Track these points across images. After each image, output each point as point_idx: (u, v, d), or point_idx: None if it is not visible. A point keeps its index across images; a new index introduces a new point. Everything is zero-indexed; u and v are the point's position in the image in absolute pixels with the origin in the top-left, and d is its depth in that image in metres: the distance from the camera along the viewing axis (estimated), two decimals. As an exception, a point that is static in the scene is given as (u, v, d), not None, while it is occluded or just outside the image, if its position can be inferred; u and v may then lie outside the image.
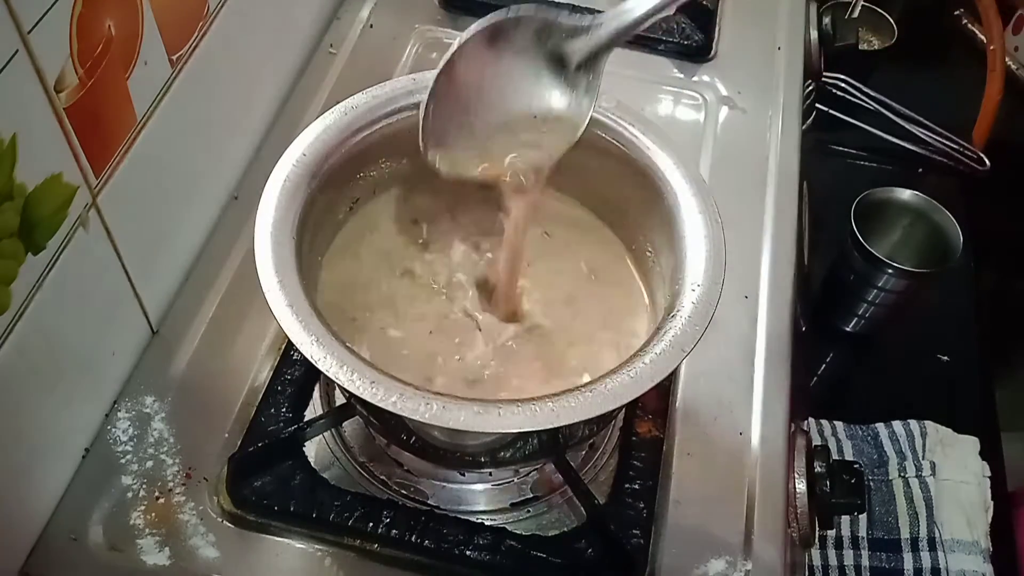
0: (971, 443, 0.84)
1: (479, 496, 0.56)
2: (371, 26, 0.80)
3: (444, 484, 0.56)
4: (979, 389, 0.91)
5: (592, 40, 0.47)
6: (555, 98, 0.49)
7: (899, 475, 0.82)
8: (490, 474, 0.56)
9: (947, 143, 1.09)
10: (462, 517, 0.53)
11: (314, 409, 0.58)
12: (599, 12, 0.47)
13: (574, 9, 0.49)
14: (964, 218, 0.87)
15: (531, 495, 0.56)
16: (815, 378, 0.92)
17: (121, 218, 0.53)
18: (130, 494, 0.53)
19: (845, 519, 0.81)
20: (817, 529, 0.56)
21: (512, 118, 0.49)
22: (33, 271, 0.46)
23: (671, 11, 0.46)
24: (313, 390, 0.58)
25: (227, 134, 0.66)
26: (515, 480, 0.56)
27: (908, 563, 0.79)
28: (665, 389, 0.59)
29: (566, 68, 0.48)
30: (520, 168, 0.49)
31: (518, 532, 0.53)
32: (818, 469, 0.57)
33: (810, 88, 0.86)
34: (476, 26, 0.46)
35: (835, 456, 0.65)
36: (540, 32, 0.47)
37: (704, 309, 0.44)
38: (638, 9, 0.46)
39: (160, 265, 0.60)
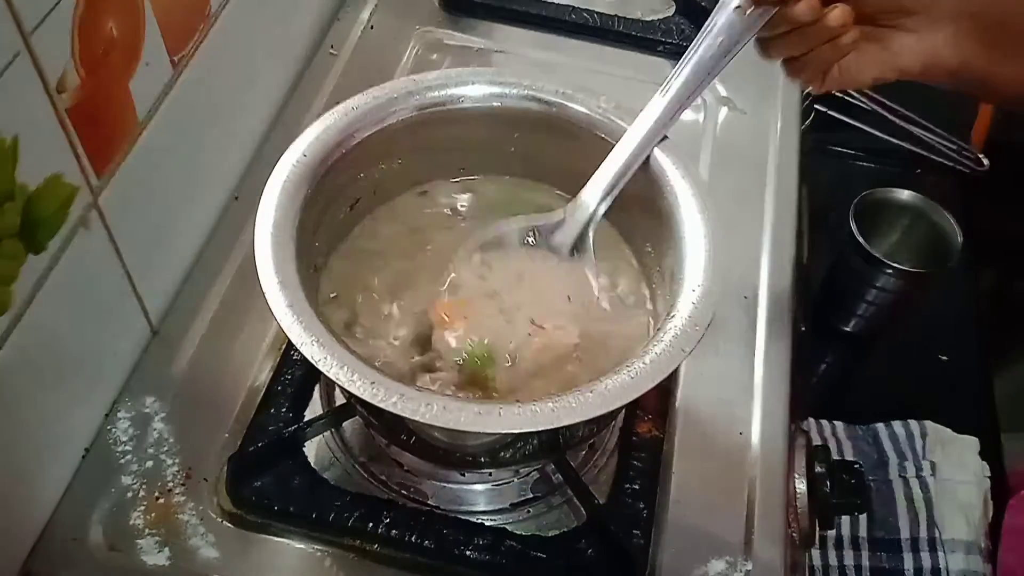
0: (971, 443, 0.83)
1: (479, 496, 0.56)
2: (372, 27, 0.81)
3: (444, 484, 0.56)
4: (979, 389, 0.91)
5: (574, 227, 0.52)
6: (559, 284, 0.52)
7: (899, 475, 0.82)
8: (490, 474, 0.56)
9: (946, 143, 1.08)
10: (462, 517, 0.53)
11: (314, 409, 0.58)
12: (569, 202, 0.51)
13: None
14: (963, 218, 0.87)
15: (531, 495, 0.56)
16: (815, 378, 0.92)
17: (122, 218, 0.53)
18: (130, 494, 0.53)
19: (845, 519, 0.80)
20: (817, 529, 0.56)
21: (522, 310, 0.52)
22: (34, 271, 0.46)
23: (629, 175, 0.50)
24: (313, 390, 0.58)
25: (228, 134, 0.66)
26: (515, 480, 0.56)
27: (908, 563, 0.79)
28: (665, 389, 0.59)
29: (559, 254, 0.52)
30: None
31: (518, 532, 0.53)
32: (818, 469, 0.57)
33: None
34: (464, 248, 0.51)
35: (835, 456, 0.65)
36: (523, 236, 0.53)
37: (704, 309, 0.45)
38: (595, 198, 0.50)
39: (160, 265, 0.60)
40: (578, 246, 0.52)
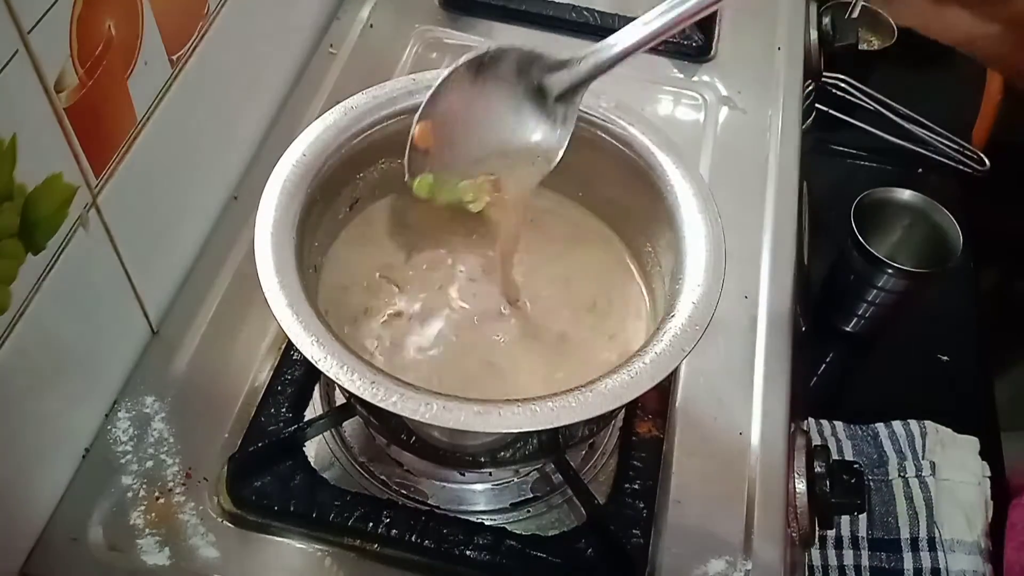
0: (971, 443, 0.83)
1: (479, 496, 0.56)
2: (371, 26, 0.80)
3: (444, 484, 0.56)
4: (979, 389, 0.91)
5: (572, 75, 0.49)
6: (533, 128, 0.50)
7: (899, 475, 0.82)
8: (490, 474, 0.56)
9: (947, 143, 1.08)
10: (462, 517, 0.53)
11: (314, 409, 0.58)
12: (587, 48, 0.48)
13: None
14: (964, 218, 0.87)
15: (531, 495, 0.56)
16: (815, 378, 0.92)
17: (121, 218, 0.53)
18: (130, 494, 0.53)
19: (845, 519, 0.81)
20: (817, 529, 0.56)
21: (492, 147, 0.50)
22: (33, 271, 0.46)
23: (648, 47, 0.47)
24: (313, 390, 0.58)
25: (227, 134, 0.66)
26: (515, 480, 0.56)
27: (908, 563, 0.79)
28: (665, 389, 0.59)
29: (546, 99, 0.50)
30: (497, 195, 0.51)
31: (518, 532, 0.53)
32: (818, 469, 0.57)
33: (810, 88, 0.86)
34: (461, 59, 0.48)
35: (835, 456, 0.65)
36: (522, 65, 0.49)
37: (704, 309, 0.44)
38: (618, 46, 0.47)
39: (160, 265, 0.60)
40: (568, 95, 0.49)
